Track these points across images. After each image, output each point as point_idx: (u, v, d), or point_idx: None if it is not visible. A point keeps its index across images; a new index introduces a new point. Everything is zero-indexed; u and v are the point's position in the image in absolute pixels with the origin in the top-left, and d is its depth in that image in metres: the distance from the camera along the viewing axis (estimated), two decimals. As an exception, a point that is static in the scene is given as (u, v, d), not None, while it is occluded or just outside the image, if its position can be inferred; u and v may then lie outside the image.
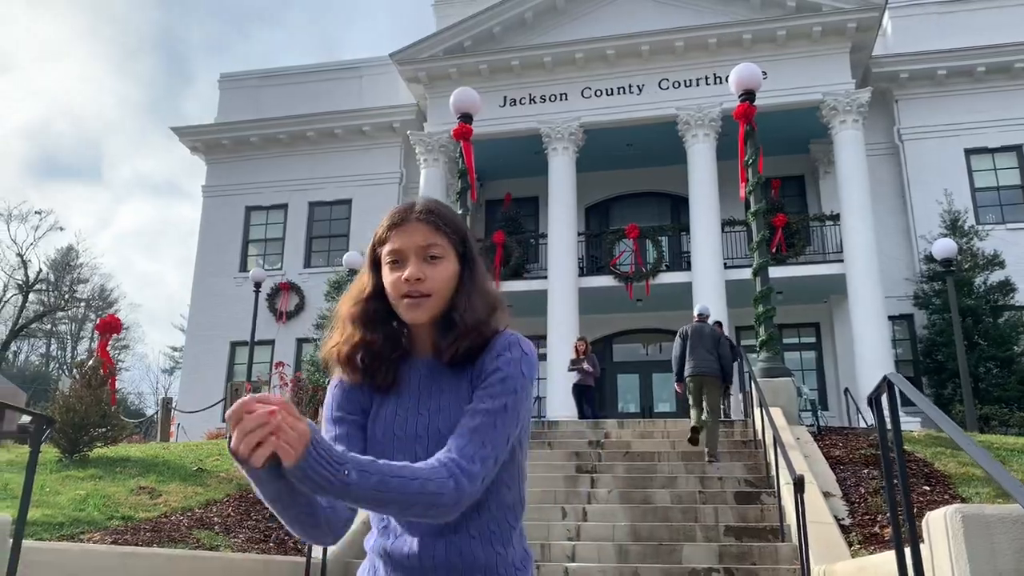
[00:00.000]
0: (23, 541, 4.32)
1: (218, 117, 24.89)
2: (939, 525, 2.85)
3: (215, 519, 8.15)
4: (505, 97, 20.82)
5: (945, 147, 20.28)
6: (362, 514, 7.02)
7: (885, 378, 2.96)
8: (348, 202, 23.46)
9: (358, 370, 1.58)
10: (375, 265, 1.62)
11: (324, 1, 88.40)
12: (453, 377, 1.55)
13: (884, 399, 3.05)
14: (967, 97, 20.50)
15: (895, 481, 3.24)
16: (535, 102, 20.73)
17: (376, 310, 1.59)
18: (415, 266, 1.53)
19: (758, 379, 11.03)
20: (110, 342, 13.48)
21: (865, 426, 14.01)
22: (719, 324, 13.91)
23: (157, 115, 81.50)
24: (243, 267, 23.56)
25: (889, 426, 3.09)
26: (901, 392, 3.01)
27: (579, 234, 20.37)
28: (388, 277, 1.56)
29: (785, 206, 20.37)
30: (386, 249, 1.57)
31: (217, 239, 23.91)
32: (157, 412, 20.16)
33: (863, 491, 8.02)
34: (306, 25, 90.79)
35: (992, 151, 20.27)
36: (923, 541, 3.18)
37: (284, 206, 23.92)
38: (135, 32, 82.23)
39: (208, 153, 24.68)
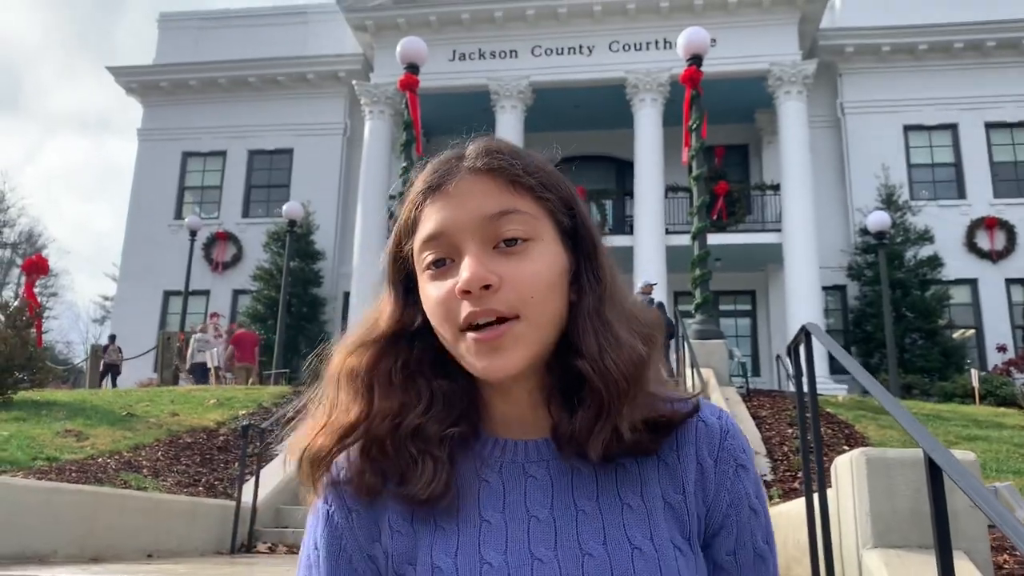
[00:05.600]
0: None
1: (156, 58, 24.11)
2: (845, 467, 2.98)
3: (144, 462, 8.05)
4: (454, 51, 20.57)
5: (885, 122, 20.71)
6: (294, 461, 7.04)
7: (803, 328, 3.06)
8: (289, 152, 23.02)
9: (373, 469, 0.81)
10: (406, 281, 0.86)
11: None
12: (605, 481, 0.81)
13: (802, 349, 3.16)
14: (908, 74, 20.92)
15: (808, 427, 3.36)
16: (484, 58, 20.53)
17: (407, 359, 0.84)
18: (477, 261, 0.77)
19: (691, 340, 11.25)
20: (37, 284, 13.10)
21: (793, 390, 14.43)
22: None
23: (87, 44, 78.30)
24: (178, 214, 23.01)
25: (805, 373, 3.20)
26: (830, 356, 3.10)
27: (524, 194, 20.32)
28: (430, 294, 0.81)
29: (728, 174, 20.64)
30: (418, 239, 0.82)
31: (152, 184, 23.27)
32: (86, 359, 19.76)
33: (786, 449, 8.28)
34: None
35: (928, 129, 20.78)
36: (831, 486, 3.32)
37: (223, 153, 23.36)
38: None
39: (145, 95, 23.91)
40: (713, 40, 14.81)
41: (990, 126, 20.52)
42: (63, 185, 72.69)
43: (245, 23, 23.95)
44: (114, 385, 17.71)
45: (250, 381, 16.37)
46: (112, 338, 19.78)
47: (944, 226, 19.48)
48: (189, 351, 17.25)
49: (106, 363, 18.75)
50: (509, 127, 19.93)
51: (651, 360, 0.82)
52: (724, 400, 9.82)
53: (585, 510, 0.80)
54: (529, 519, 0.79)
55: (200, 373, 17.03)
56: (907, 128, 20.77)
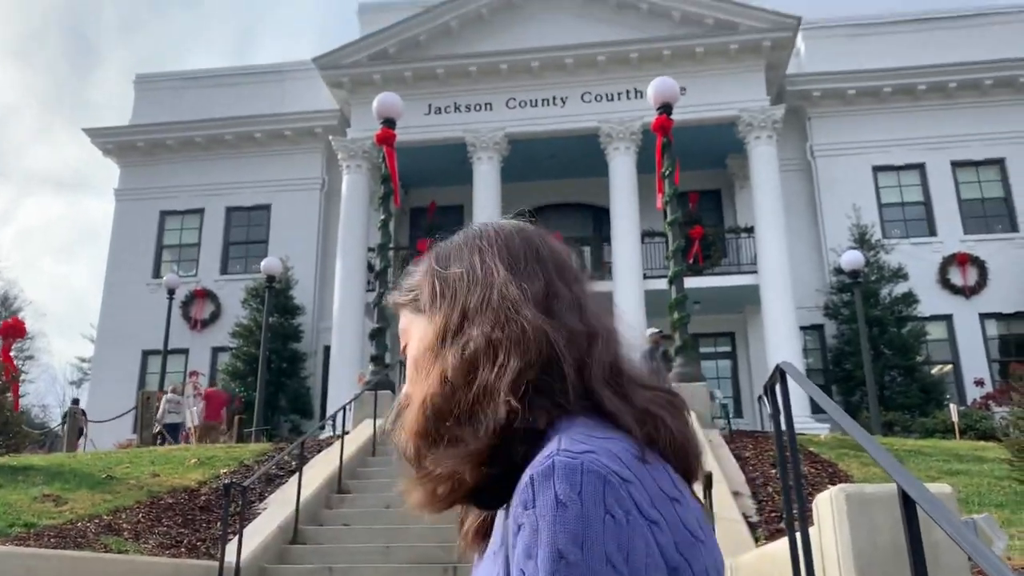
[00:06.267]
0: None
1: (133, 118, 24.23)
2: (826, 505, 3.02)
3: (124, 525, 7.93)
4: (430, 105, 20.84)
5: (854, 164, 21.14)
6: (277, 519, 6.86)
7: (778, 367, 3.12)
8: (267, 208, 23.09)
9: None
10: None
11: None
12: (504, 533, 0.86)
13: (778, 388, 3.21)
14: (875, 116, 21.42)
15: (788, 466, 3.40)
16: (460, 111, 20.82)
17: None
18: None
19: (672, 384, 11.32)
20: (13, 347, 12.98)
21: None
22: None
23: (62, 103, 78.25)
24: (156, 273, 22.93)
25: (782, 411, 3.25)
26: (812, 399, 3.14)
27: (502, 243, 20.50)
28: None
29: (702, 218, 20.90)
30: None
31: (130, 244, 23.21)
32: (65, 421, 19.48)
33: (770, 490, 8.29)
34: (223, 6, 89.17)
35: (897, 169, 21.22)
36: (814, 524, 3.34)
37: (200, 211, 23.39)
38: (40, 13, 79.11)
39: (121, 155, 23.97)
40: (683, 88, 15.15)
41: (956, 165, 20.99)
42: (39, 245, 72.06)
43: (221, 82, 24.17)
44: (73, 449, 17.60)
45: (222, 439, 16.33)
46: (75, 402, 19.69)
47: (917, 263, 19.78)
48: (160, 412, 17.23)
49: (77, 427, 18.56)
50: (486, 178, 20.17)
51: (436, 403, 0.86)
52: (708, 441, 9.83)
53: (488, 557, 0.88)
54: (483, 559, 0.90)
55: (172, 433, 16.99)
56: (876, 168, 21.20)
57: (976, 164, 21.00)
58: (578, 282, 0.97)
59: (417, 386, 0.90)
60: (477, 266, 0.94)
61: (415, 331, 0.95)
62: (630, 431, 0.84)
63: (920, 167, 21.13)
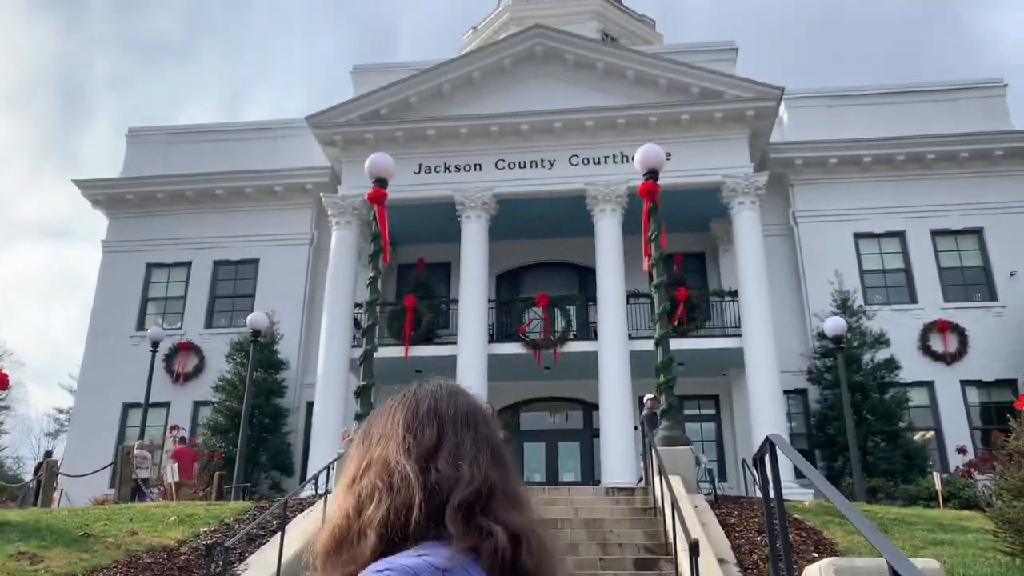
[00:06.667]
0: None
1: (124, 171, 24.37)
2: (815, 577, 3.05)
3: (100, 586, 7.78)
4: (420, 164, 21.12)
5: (836, 231, 21.50)
6: (259, 577, 6.68)
7: (767, 439, 3.18)
8: (255, 262, 23.14)
9: None
10: None
11: (233, 40, 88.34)
12: None
13: (767, 460, 3.27)
14: (856, 184, 21.87)
15: (776, 534, 3.43)
16: (450, 171, 21.10)
17: None
18: None
19: (659, 447, 11.30)
20: (-6, 399, 12.83)
21: (760, 496, 14.41)
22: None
23: (51, 154, 78.45)
24: (140, 326, 22.82)
25: (771, 484, 3.30)
26: (796, 466, 3.20)
27: (490, 301, 20.62)
28: None
29: (687, 281, 21.10)
30: None
31: (115, 296, 23.14)
32: (40, 475, 19.15)
33: (756, 558, 8.27)
34: (215, 63, 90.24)
35: (878, 236, 21.59)
36: (803, 595, 3.37)
37: (187, 264, 23.40)
38: (33, 65, 79.77)
39: (111, 207, 24.04)
40: (668, 154, 15.47)
41: (935, 233, 21.38)
42: (21, 293, 71.48)
43: (213, 138, 24.42)
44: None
45: (199, 494, 16.28)
46: (48, 454, 19.51)
47: (898, 330, 19.99)
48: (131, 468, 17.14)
49: (39, 479, 18.33)
50: (474, 236, 20.36)
51: (337, 531, 1.13)
52: (693, 507, 9.81)
53: None
54: None
55: (141, 487, 16.89)
56: (857, 235, 21.56)
57: (955, 233, 21.41)
58: (469, 432, 1.20)
59: (332, 515, 1.16)
60: (387, 425, 1.22)
61: None
62: (453, 547, 1.07)
63: (900, 235, 21.52)
